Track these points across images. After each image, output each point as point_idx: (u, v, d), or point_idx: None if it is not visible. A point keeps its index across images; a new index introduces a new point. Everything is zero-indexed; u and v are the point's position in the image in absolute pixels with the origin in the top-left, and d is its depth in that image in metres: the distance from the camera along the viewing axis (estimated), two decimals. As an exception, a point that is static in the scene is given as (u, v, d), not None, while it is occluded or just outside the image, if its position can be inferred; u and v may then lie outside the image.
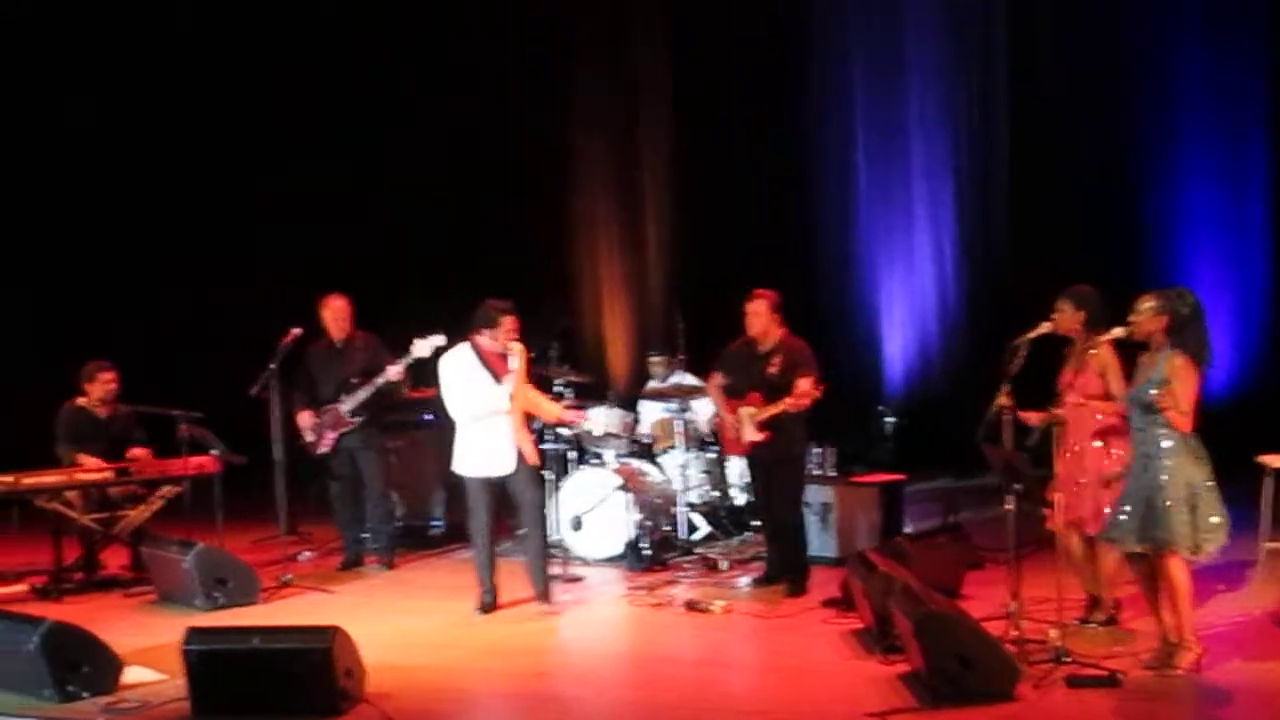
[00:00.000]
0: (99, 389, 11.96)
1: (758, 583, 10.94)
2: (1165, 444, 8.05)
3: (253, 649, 8.16)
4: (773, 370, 10.49)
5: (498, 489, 10.57)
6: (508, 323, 10.34)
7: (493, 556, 10.59)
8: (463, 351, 10.45)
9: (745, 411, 10.55)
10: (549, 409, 10.99)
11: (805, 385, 10.35)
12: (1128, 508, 8.23)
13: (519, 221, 17.20)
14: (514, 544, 11.60)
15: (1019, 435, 8.55)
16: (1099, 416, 8.93)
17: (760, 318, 10.55)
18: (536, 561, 10.60)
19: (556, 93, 17.59)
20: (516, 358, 10.40)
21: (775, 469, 10.70)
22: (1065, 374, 9.06)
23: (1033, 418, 8.79)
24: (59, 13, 17.00)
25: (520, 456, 10.42)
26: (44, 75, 17.01)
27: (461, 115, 17.38)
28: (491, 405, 10.32)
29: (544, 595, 10.57)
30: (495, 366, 10.38)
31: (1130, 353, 8.46)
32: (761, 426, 10.48)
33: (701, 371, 12.82)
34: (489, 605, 10.52)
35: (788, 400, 10.31)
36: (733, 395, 10.72)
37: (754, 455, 10.79)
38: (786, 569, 10.78)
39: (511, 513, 10.89)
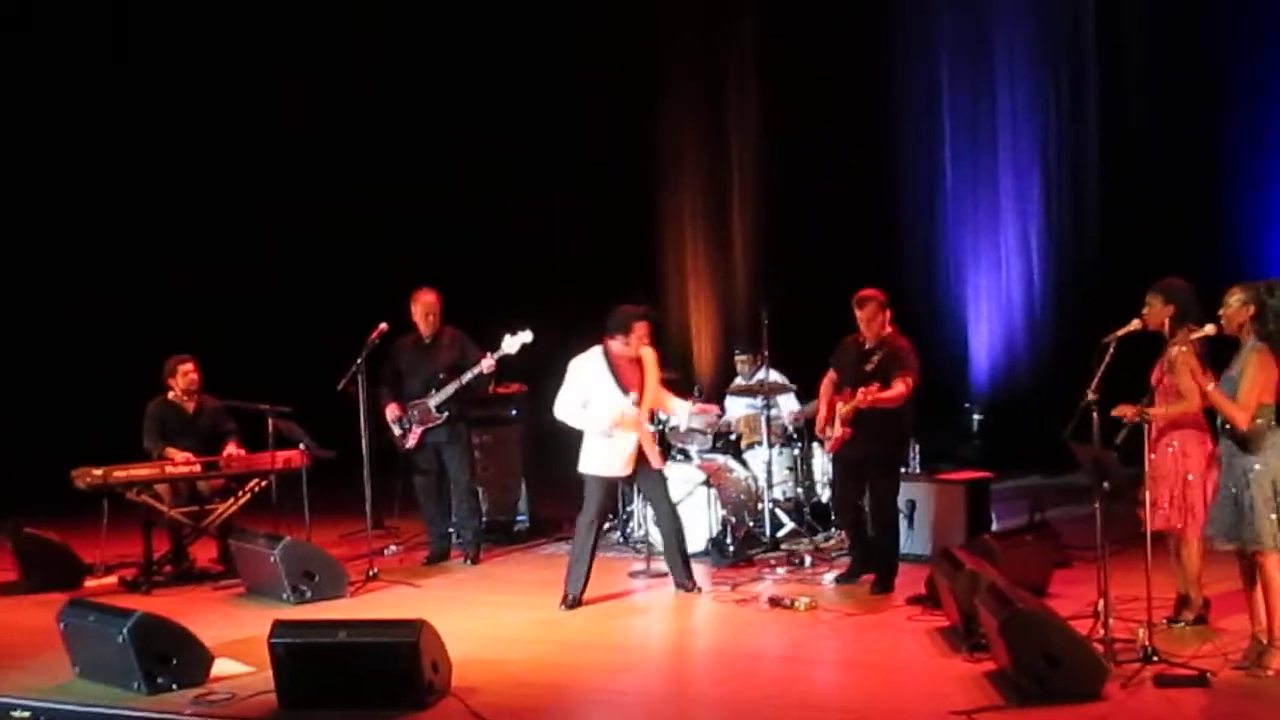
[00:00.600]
0: (181, 381, 12.06)
1: (840, 580, 10.91)
2: (1248, 440, 7.95)
3: (339, 642, 8.21)
4: (869, 368, 10.44)
5: (614, 488, 10.95)
6: (639, 329, 10.49)
7: (592, 554, 10.65)
8: (594, 356, 10.58)
9: (838, 407, 10.52)
10: (678, 406, 11.11)
11: (895, 384, 10.30)
12: (1218, 505, 8.16)
13: (608, 219, 17.22)
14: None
15: (1107, 433, 8.46)
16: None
17: (874, 320, 10.49)
18: (673, 555, 10.81)
19: (646, 90, 17.59)
20: (642, 363, 10.60)
21: (866, 468, 10.63)
22: (1156, 370, 8.96)
23: (1127, 411, 8.69)
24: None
25: (644, 459, 10.58)
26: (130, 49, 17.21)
27: (551, 112, 17.43)
28: (612, 415, 10.47)
29: (684, 584, 10.78)
30: (623, 375, 10.53)
31: (1225, 350, 8.35)
32: (845, 422, 10.44)
33: (786, 368, 12.83)
34: (575, 600, 10.55)
35: (864, 395, 10.26)
36: (839, 392, 10.68)
37: (840, 452, 10.73)
38: (875, 566, 10.73)
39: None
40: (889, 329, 10.57)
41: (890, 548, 10.83)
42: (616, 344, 10.52)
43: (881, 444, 10.56)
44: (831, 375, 10.84)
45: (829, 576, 11.04)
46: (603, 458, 10.59)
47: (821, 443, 11.77)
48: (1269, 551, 7.94)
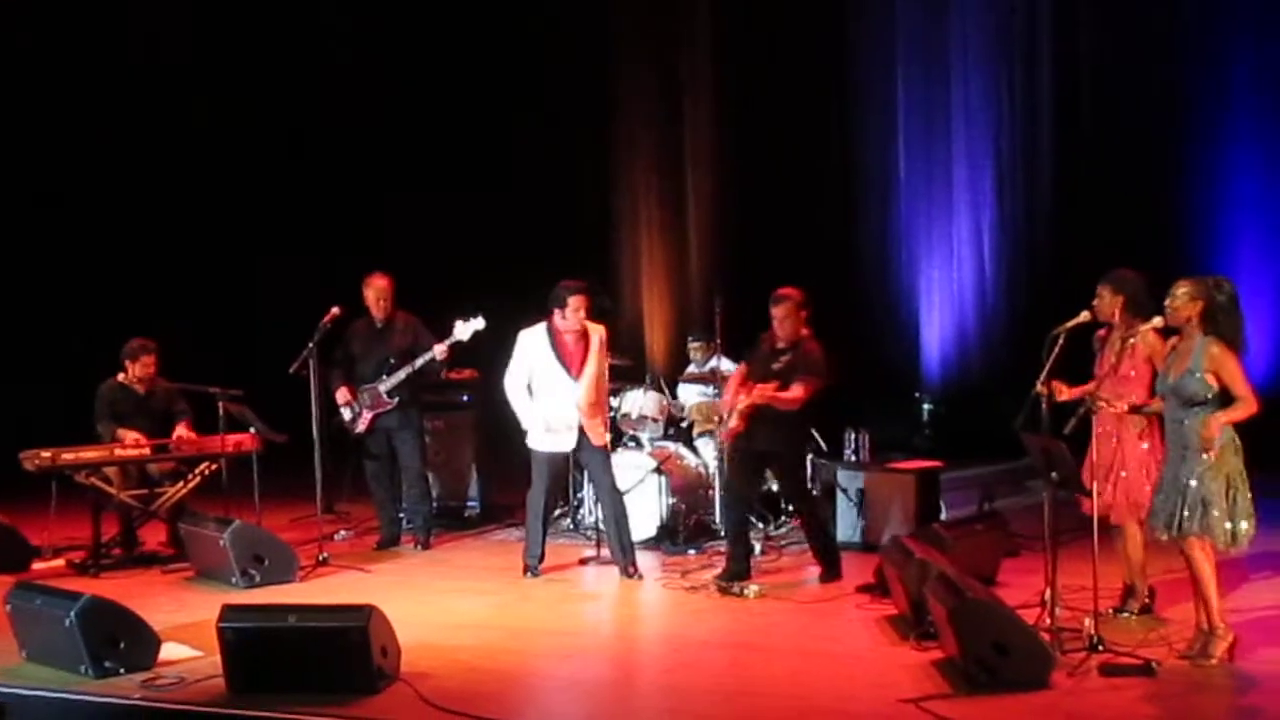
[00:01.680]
0: (138, 369, 11.98)
1: (720, 580, 10.58)
2: (1204, 434, 8.01)
3: (289, 627, 8.20)
4: (777, 367, 10.46)
5: (560, 464, 11.19)
6: (574, 302, 10.71)
7: (545, 524, 11.09)
8: (538, 330, 10.87)
9: (739, 397, 10.54)
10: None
11: (794, 387, 10.31)
12: (1162, 498, 8.22)
13: (562, 207, 17.22)
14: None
15: (1057, 423, 8.52)
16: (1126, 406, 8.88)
17: (789, 320, 10.49)
18: (613, 537, 10.99)
19: (600, 80, 17.59)
20: (586, 338, 10.85)
21: (769, 462, 10.78)
22: (1104, 360, 9.01)
23: (1074, 391, 8.75)
24: None
25: (584, 434, 10.79)
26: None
27: (505, 102, 17.42)
28: (551, 389, 10.79)
29: (624, 568, 10.94)
30: (565, 350, 10.81)
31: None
32: (742, 416, 10.45)
33: (739, 357, 12.85)
34: (534, 570, 11.01)
35: (760, 392, 10.30)
36: (745, 385, 10.70)
37: (737, 444, 10.73)
38: (820, 558, 10.77)
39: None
40: (804, 330, 10.52)
41: (825, 535, 10.88)
42: (558, 318, 10.76)
43: (784, 440, 10.57)
44: (743, 369, 10.88)
45: (707, 576, 10.94)
46: (540, 433, 10.89)
47: (686, 436, 11.92)
48: (1208, 542, 8.00)
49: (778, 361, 10.46)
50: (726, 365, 12.43)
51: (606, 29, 17.61)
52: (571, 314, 10.72)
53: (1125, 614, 9.16)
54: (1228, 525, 7.98)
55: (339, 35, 17.97)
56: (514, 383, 10.92)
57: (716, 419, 12.26)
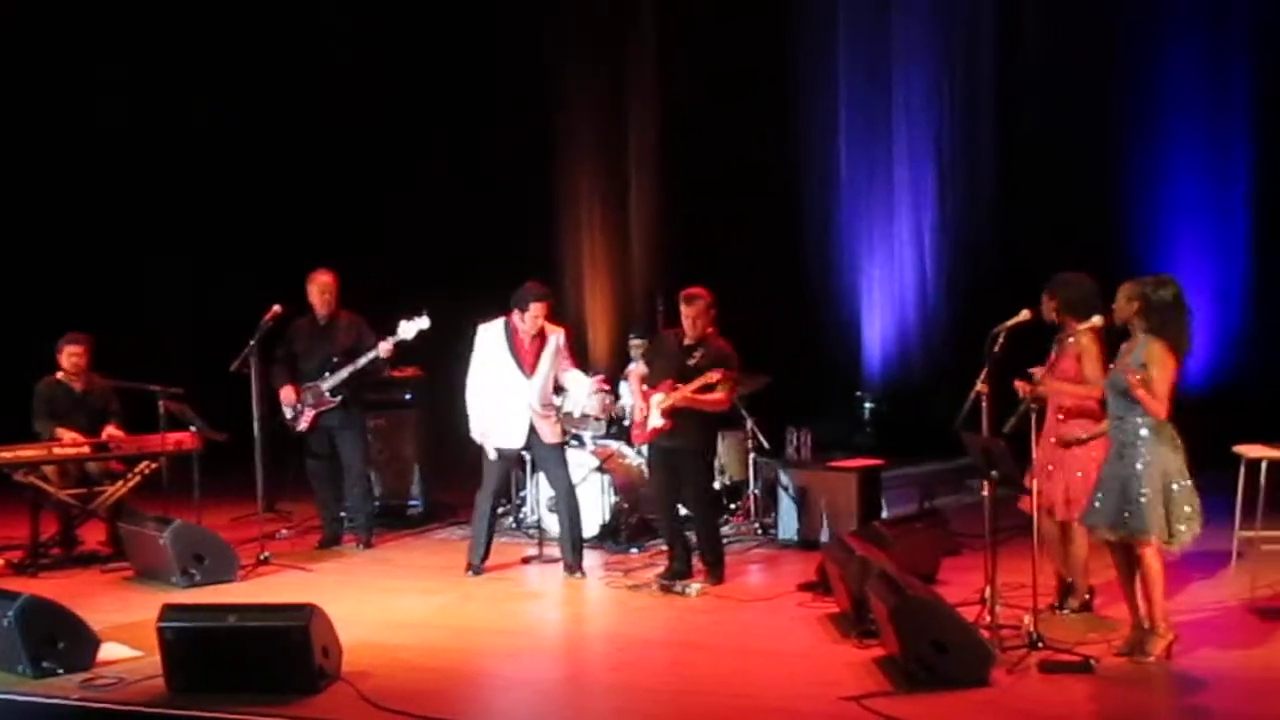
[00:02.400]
0: (65, 362, 11.91)
1: (662, 579, 10.62)
2: (1143, 432, 8.08)
3: (229, 627, 8.17)
4: (693, 363, 10.48)
5: (510, 461, 11.23)
6: (536, 309, 10.76)
7: (491, 524, 11.12)
8: (496, 326, 10.90)
9: (655, 398, 10.55)
10: (575, 380, 11.33)
11: (712, 378, 10.33)
12: (1102, 495, 8.28)
13: (504, 205, 17.20)
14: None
15: (997, 421, 8.56)
16: (1061, 412, 8.96)
17: (701, 318, 10.51)
18: (565, 535, 11.02)
19: (543, 77, 17.58)
20: (543, 338, 10.87)
21: (678, 460, 10.65)
22: (1049, 361, 9.07)
23: (1024, 386, 8.81)
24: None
25: (535, 432, 10.84)
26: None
27: (447, 100, 17.40)
28: (505, 385, 10.82)
29: (570, 565, 10.98)
30: (520, 348, 10.84)
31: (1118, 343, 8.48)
32: (667, 414, 10.47)
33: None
34: (477, 569, 11.02)
35: (695, 387, 10.33)
36: (649, 386, 10.71)
37: (656, 444, 10.75)
38: (704, 559, 10.73)
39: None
40: (710, 329, 10.58)
41: (715, 537, 10.88)
42: (516, 318, 10.79)
43: (695, 436, 10.59)
44: (641, 370, 10.89)
45: (649, 574, 10.92)
46: (496, 430, 10.89)
47: (628, 435, 11.99)
48: (1151, 541, 8.07)
49: (691, 358, 10.49)
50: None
51: (550, 28, 17.58)
52: (531, 319, 10.74)
53: (1064, 611, 9.21)
54: (1165, 524, 8.04)
55: (339, 35, 17.85)
56: (475, 382, 10.93)
57: (617, 420, 12.35)
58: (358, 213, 17.07)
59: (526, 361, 10.82)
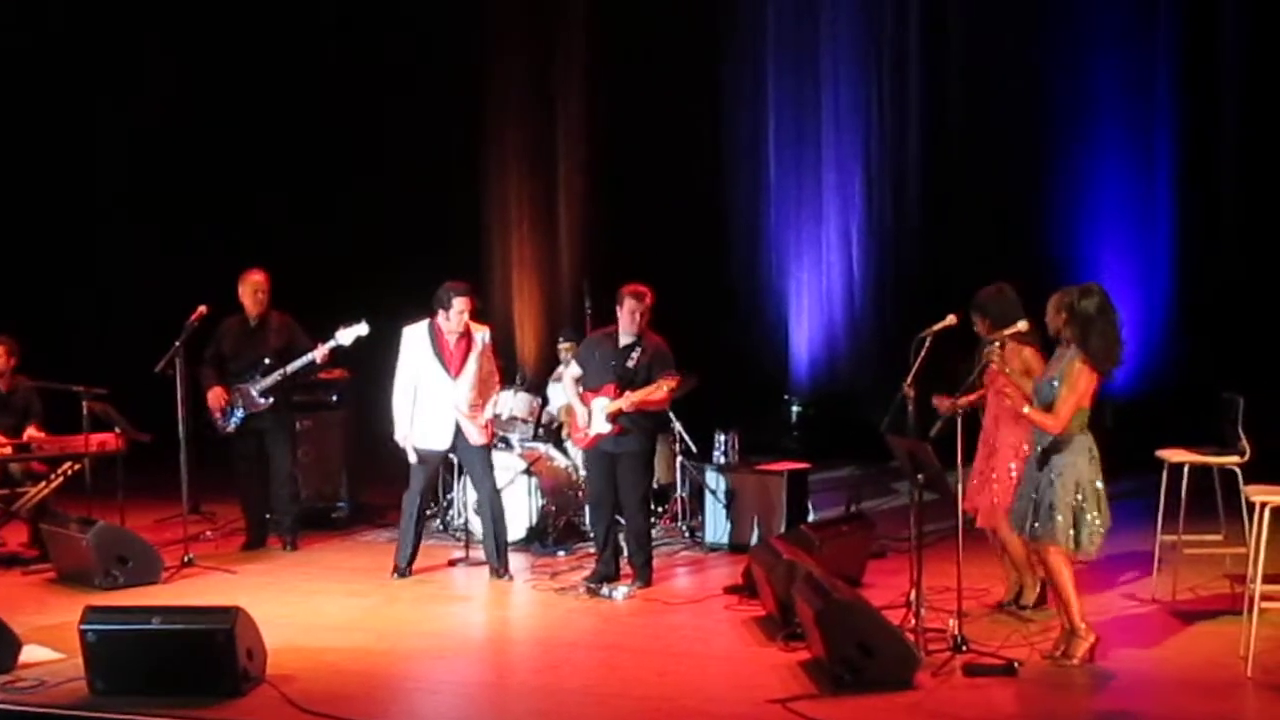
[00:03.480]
0: None
1: (589, 582, 10.61)
2: (1060, 440, 8.14)
3: (152, 629, 8.12)
4: (632, 364, 10.50)
5: (436, 463, 11.22)
6: (459, 304, 10.72)
7: (418, 526, 11.07)
8: (421, 328, 10.87)
9: (599, 402, 10.55)
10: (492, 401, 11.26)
11: (668, 385, 10.37)
12: (1020, 496, 8.38)
13: (430, 205, 17.17)
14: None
15: (923, 425, 8.61)
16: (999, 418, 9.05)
17: (643, 315, 10.51)
18: (489, 538, 11.00)
19: (470, 76, 17.55)
20: (469, 338, 10.85)
21: (621, 463, 10.60)
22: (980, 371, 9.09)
23: (943, 404, 8.85)
24: None
25: (460, 434, 10.82)
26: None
27: (372, 95, 17.34)
28: (430, 387, 10.80)
29: (496, 569, 10.94)
30: (445, 350, 10.81)
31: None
32: (613, 419, 10.48)
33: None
34: (403, 571, 11.01)
35: (645, 393, 10.34)
36: (586, 388, 10.71)
37: (598, 448, 10.69)
38: (634, 561, 10.71)
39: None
40: (646, 327, 10.60)
41: (647, 541, 10.86)
42: (440, 319, 10.77)
43: (639, 440, 10.59)
44: (575, 372, 10.88)
45: (576, 577, 10.87)
46: (422, 431, 10.87)
47: (556, 437, 12.01)
48: (1057, 547, 8.14)
49: (630, 358, 10.50)
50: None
51: (478, 27, 17.56)
52: (455, 315, 10.71)
53: (1023, 608, 9.28)
54: (1071, 532, 8.12)
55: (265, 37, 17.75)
56: (401, 384, 10.88)
57: (545, 423, 12.37)
58: (283, 214, 16.97)
59: (452, 363, 10.79)
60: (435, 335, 10.81)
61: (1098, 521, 8.17)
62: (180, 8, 17.28)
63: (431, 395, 10.81)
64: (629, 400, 10.35)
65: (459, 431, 10.85)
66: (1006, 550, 9.32)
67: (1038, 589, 9.32)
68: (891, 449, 8.94)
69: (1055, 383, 8.15)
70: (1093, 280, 8.73)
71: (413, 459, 10.94)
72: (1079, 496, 8.12)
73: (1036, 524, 8.20)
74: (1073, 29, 15.71)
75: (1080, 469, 8.14)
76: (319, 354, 11.60)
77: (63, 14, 17.07)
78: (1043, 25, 15.81)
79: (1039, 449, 8.29)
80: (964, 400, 8.78)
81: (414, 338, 10.87)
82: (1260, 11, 14.61)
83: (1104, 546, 8.40)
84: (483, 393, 11.02)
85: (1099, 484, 8.21)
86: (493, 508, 10.99)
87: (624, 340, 10.56)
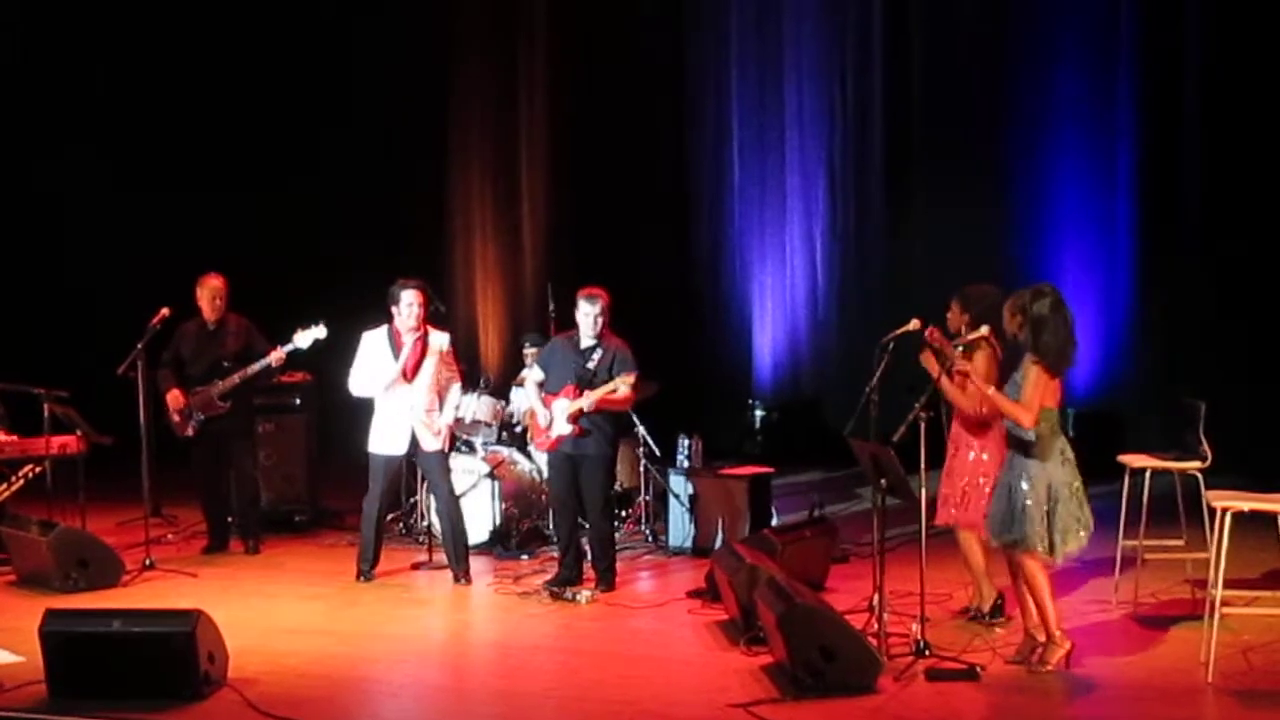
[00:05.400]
0: None
1: (551, 585, 10.58)
2: (1030, 443, 8.16)
3: (113, 632, 8.09)
4: (593, 366, 10.50)
5: (396, 468, 11.17)
6: (407, 296, 10.69)
7: (379, 530, 11.02)
8: (380, 332, 10.86)
9: (559, 404, 10.56)
10: (448, 404, 11.14)
11: (626, 382, 10.38)
12: (994, 501, 8.38)
13: (393, 207, 17.16)
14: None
15: (885, 430, 8.62)
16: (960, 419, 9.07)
17: (602, 316, 10.51)
18: (448, 542, 10.97)
19: (433, 77, 17.54)
20: (424, 344, 10.77)
21: (582, 466, 10.60)
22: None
23: (931, 365, 8.86)
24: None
25: (416, 440, 10.77)
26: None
27: (335, 98, 17.30)
28: (382, 381, 10.74)
29: (456, 573, 10.90)
30: (398, 345, 10.77)
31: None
32: (574, 419, 10.48)
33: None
34: (367, 575, 10.99)
35: (604, 392, 10.36)
36: (548, 391, 10.70)
37: (560, 451, 10.68)
38: (596, 564, 10.70)
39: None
40: (605, 330, 10.61)
41: (610, 544, 10.84)
42: (396, 318, 10.75)
43: (600, 442, 10.59)
44: (537, 375, 10.87)
45: (539, 581, 10.84)
46: (381, 436, 10.85)
47: (520, 441, 12.08)
48: (1033, 552, 8.16)
49: (590, 361, 10.51)
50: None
51: (443, 29, 17.54)
52: (406, 308, 10.67)
53: (977, 617, 9.29)
54: (1046, 536, 8.13)
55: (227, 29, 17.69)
56: (356, 382, 10.89)
57: (508, 425, 12.37)
58: (243, 214, 16.90)
59: (407, 366, 10.75)
60: (393, 338, 10.79)
61: (1074, 522, 8.16)
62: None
63: (387, 399, 10.78)
64: (589, 399, 10.35)
65: (414, 437, 10.82)
66: (966, 558, 9.33)
67: (994, 599, 9.34)
68: (854, 453, 8.95)
69: (1017, 380, 8.17)
70: (1047, 282, 8.71)
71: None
72: (1055, 499, 8.13)
73: (1010, 526, 8.20)
74: (1035, 34, 15.75)
75: (1051, 472, 8.14)
76: (274, 357, 11.57)
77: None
78: (1005, 31, 15.85)
79: (1010, 451, 8.30)
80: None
81: (372, 342, 10.85)
82: (1222, 18, 14.67)
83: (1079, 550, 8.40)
84: (440, 398, 10.99)
85: (1076, 484, 8.20)
86: (450, 512, 10.96)
87: (585, 343, 10.56)
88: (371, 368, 10.80)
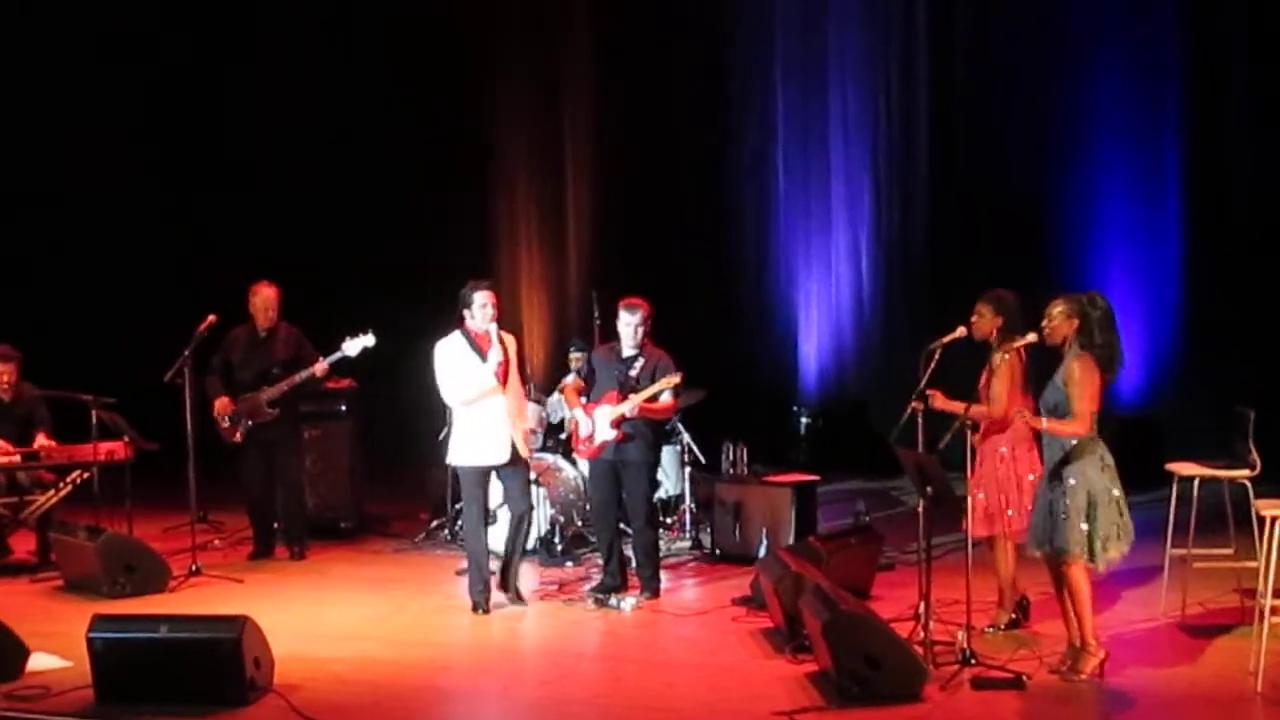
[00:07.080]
0: None
1: (595, 592, 10.57)
2: (1069, 452, 8.12)
3: (160, 638, 8.13)
4: (634, 374, 10.48)
5: (488, 479, 10.48)
6: (480, 298, 10.20)
7: (486, 550, 10.41)
8: (454, 337, 10.30)
9: (602, 410, 10.53)
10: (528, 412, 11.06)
11: (671, 383, 10.37)
12: (1035, 512, 8.34)
13: (441, 216, 17.19)
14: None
15: (931, 438, 8.59)
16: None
17: (643, 326, 10.49)
18: (507, 555, 10.48)
19: (480, 88, 17.56)
20: (504, 346, 10.30)
21: (625, 473, 10.55)
22: (984, 376, 9.10)
23: (949, 404, 8.82)
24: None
25: (514, 446, 10.29)
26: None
27: (385, 109, 17.34)
28: (481, 385, 10.17)
29: (505, 587, 10.46)
30: (484, 348, 10.25)
31: (1047, 359, 8.49)
32: (616, 424, 10.47)
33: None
34: (482, 607, 10.30)
35: (648, 394, 10.34)
36: (589, 400, 10.67)
37: (602, 458, 10.62)
38: (641, 573, 10.66)
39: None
40: (647, 340, 10.58)
41: (655, 552, 10.79)
42: (469, 321, 10.26)
43: (642, 449, 10.56)
44: (578, 384, 10.83)
45: (586, 588, 10.84)
46: (472, 447, 10.28)
47: (565, 448, 12.02)
48: (1075, 560, 8.11)
49: (632, 369, 10.50)
50: None
51: (488, 39, 17.57)
52: (479, 310, 10.18)
53: (991, 629, 9.21)
54: (1087, 544, 8.08)
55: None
56: (451, 391, 10.26)
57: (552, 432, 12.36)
58: (288, 220, 16.97)
59: (499, 371, 10.27)
60: (474, 342, 10.26)
61: (1115, 529, 8.12)
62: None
63: (480, 406, 10.25)
64: (632, 403, 10.34)
65: (513, 444, 10.33)
66: (996, 565, 9.26)
67: (1014, 612, 9.30)
68: (900, 461, 8.92)
69: (1058, 383, 8.11)
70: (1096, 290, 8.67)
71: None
72: (1096, 506, 8.08)
73: (1052, 535, 8.16)
74: (1081, 41, 15.70)
75: (1091, 479, 8.09)
76: (319, 368, 11.59)
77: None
78: (1051, 38, 15.80)
79: (1048, 460, 8.26)
80: (956, 404, 8.79)
81: (451, 348, 10.27)
82: (1268, 27, 14.58)
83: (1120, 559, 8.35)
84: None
85: (1116, 492, 8.14)
86: (523, 524, 10.47)
87: (626, 352, 10.56)
88: (461, 375, 10.24)
